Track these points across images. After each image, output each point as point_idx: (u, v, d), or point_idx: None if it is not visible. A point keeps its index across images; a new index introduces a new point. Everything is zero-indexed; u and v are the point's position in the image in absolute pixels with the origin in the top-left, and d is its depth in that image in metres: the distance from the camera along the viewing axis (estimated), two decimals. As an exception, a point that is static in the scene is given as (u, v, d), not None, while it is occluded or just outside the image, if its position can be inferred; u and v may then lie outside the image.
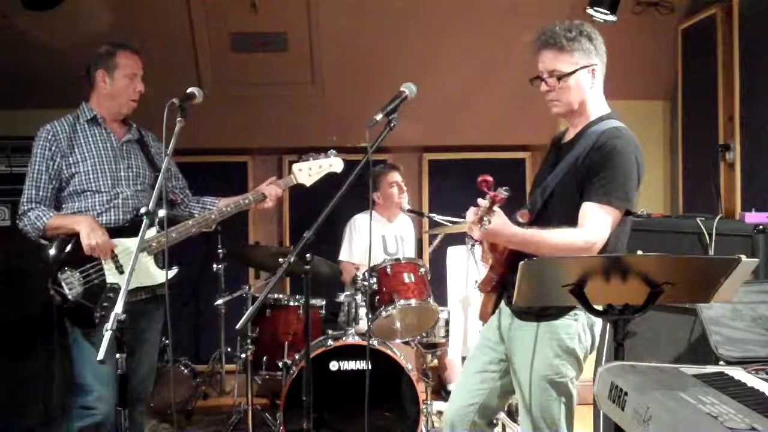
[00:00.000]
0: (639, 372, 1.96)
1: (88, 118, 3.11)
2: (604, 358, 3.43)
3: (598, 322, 2.51)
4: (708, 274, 2.09)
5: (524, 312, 2.50)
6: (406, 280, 4.00)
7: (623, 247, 2.54)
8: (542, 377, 2.48)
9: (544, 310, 2.46)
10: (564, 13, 4.35)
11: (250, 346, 4.05)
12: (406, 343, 4.27)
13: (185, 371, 4.74)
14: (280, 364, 3.98)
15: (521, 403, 2.55)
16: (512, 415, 4.02)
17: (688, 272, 2.11)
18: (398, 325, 4.04)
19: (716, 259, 2.49)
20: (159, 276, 3.01)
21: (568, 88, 2.48)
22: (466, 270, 4.27)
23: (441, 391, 4.83)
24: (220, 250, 4.55)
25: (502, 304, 2.64)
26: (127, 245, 2.97)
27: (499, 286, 2.60)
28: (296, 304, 4.15)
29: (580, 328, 2.48)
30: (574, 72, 2.47)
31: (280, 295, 4.41)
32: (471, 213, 2.35)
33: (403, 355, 3.93)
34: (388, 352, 3.81)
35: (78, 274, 2.92)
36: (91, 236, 2.89)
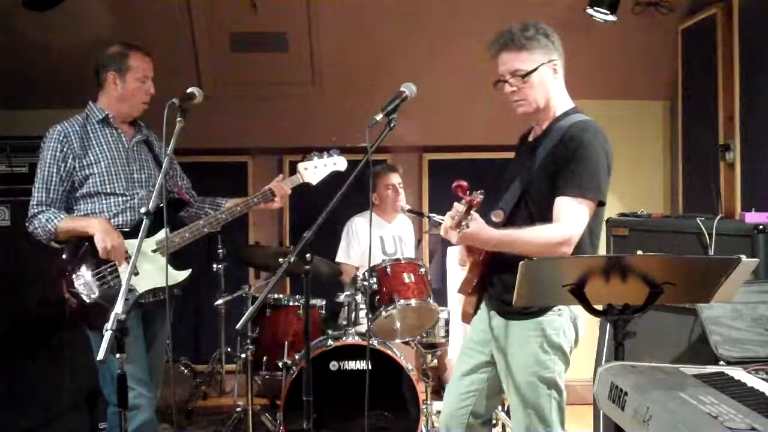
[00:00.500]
0: (639, 372, 1.96)
1: (99, 118, 3.06)
2: (604, 358, 3.43)
3: (581, 316, 2.53)
4: (708, 274, 2.09)
5: (508, 311, 2.51)
6: (406, 280, 4.00)
7: (598, 238, 2.56)
8: (531, 374, 2.50)
9: (528, 308, 2.47)
10: (564, 13, 4.36)
11: (250, 346, 4.05)
12: (406, 343, 4.27)
13: (185, 371, 4.75)
14: (280, 364, 3.98)
15: (512, 400, 2.56)
16: (509, 410, 4.02)
17: (688, 272, 2.11)
18: (398, 325, 4.04)
19: (716, 259, 2.49)
20: (175, 276, 2.98)
21: (532, 86, 2.51)
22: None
23: (441, 391, 4.82)
24: (220, 250, 4.55)
25: (484, 304, 2.66)
26: (142, 246, 2.92)
27: (479, 287, 2.61)
28: (296, 304, 4.15)
29: (565, 323, 2.51)
30: (536, 69, 2.49)
31: (280, 295, 4.41)
32: (448, 218, 2.36)
33: (403, 355, 3.94)
34: (388, 352, 3.81)
35: (93, 277, 2.88)
36: (106, 239, 2.85)
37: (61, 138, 2.97)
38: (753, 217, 3.33)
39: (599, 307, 2.15)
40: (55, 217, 2.91)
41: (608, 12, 4.16)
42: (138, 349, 2.95)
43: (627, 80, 4.88)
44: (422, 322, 4.11)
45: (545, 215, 2.43)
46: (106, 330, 2.17)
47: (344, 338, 3.86)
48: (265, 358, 4.08)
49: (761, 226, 3.24)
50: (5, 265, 3.66)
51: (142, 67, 3.08)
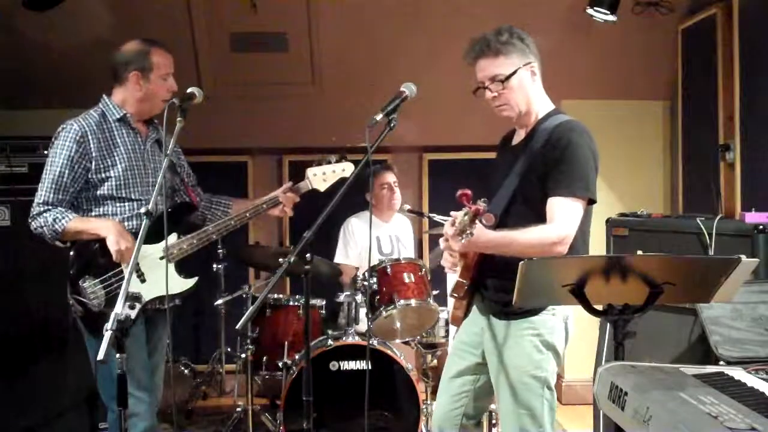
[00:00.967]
0: (639, 372, 1.96)
1: (117, 117, 2.95)
2: (604, 358, 3.43)
3: (572, 315, 2.54)
4: (708, 274, 2.09)
5: (502, 311, 2.52)
6: (406, 280, 4.00)
7: (588, 236, 2.57)
8: (525, 373, 2.50)
9: (522, 308, 2.47)
10: (564, 13, 4.36)
11: (250, 346, 4.05)
12: (406, 343, 4.27)
13: (185, 371, 4.75)
14: (280, 364, 3.98)
15: (503, 402, 2.56)
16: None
17: (688, 272, 2.11)
18: (398, 325, 4.04)
19: (716, 259, 2.49)
20: (179, 285, 2.92)
21: (512, 90, 2.52)
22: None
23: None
24: (220, 250, 4.55)
25: (475, 306, 2.67)
26: (149, 251, 2.86)
27: (470, 290, 2.61)
28: (296, 304, 4.15)
29: (558, 323, 2.52)
30: (515, 72, 2.50)
31: (280, 295, 4.41)
32: (448, 226, 2.37)
33: (403, 355, 3.94)
34: (388, 352, 3.82)
35: (99, 283, 2.82)
36: (120, 242, 2.76)
37: (78, 138, 2.85)
38: (753, 217, 3.33)
39: (599, 307, 2.15)
40: (63, 217, 2.80)
41: (608, 12, 4.16)
42: (142, 356, 2.91)
43: (627, 80, 4.88)
44: (422, 322, 4.11)
45: (536, 217, 2.44)
46: (106, 330, 2.15)
47: (344, 338, 3.86)
48: (265, 358, 4.07)
49: (761, 226, 3.24)
50: (5, 265, 3.66)
51: (165, 63, 2.97)
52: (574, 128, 2.47)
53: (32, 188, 2.89)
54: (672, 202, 5.00)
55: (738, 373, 1.96)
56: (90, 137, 2.87)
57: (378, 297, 3.98)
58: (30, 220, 2.85)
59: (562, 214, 2.40)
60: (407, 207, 4.62)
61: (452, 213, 2.34)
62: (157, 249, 2.87)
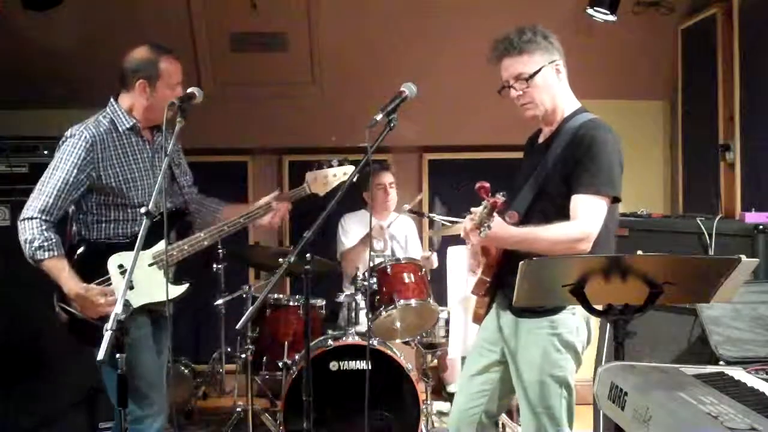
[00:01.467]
0: (639, 372, 1.96)
1: (127, 127, 2.91)
2: (604, 358, 3.43)
3: (593, 316, 2.53)
4: (708, 274, 2.09)
5: (522, 309, 2.51)
6: (406, 280, 4.00)
7: (613, 235, 2.57)
8: (543, 372, 2.49)
9: (542, 306, 2.47)
10: (564, 14, 4.36)
11: (250, 346, 4.05)
12: (406, 343, 4.27)
13: (185, 371, 4.74)
14: (280, 364, 3.98)
15: (522, 400, 2.56)
16: (511, 414, 4.03)
17: (688, 272, 2.11)
18: (398, 325, 4.04)
19: (716, 259, 2.49)
20: (173, 291, 2.88)
21: (536, 88, 2.52)
22: (466, 270, 4.27)
23: (441, 391, 4.82)
24: (220, 250, 4.55)
25: (495, 304, 2.66)
26: (141, 257, 2.78)
27: (492, 288, 2.61)
28: (296, 304, 4.15)
29: (578, 322, 2.51)
30: (539, 71, 2.50)
31: (280, 295, 4.41)
32: (467, 221, 2.37)
33: (403, 355, 3.94)
34: (388, 352, 3.81)
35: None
36: (85, 308, 2.74)
37: (88, 146, 2.80)
38: (753, 217, 3.33)
39: (599, 307, 2.15)
40: (50, 250, 2.73)
41: (608, 12, 4.16)
42: (152, 358, 2.92)
43: (627, 80, 4.88)
44: (422, 322, 4.11)
45: (559, 216, 2.43)
46: (106, 330, 2.15)
47: (344, 338, 3.86)
48: (265, 358, 4.08)
49: (761, 226, 3.25)
50: (5, 265, 3.66)
51: (173, 72, 2.90)
52: (598, 126, 2.47)
53: (32, 188, 2.86)
54: (672, 202, 5.00)
55: (738, 373, 1.96)
56: (99, 146, 2.83)
57: (378, 297, 3.99)
58: (20, 221, 2.78)
59: (586, 212, 2.40)
60: (407, 207, 4.62)
61: (472, 209, 2.35)
62: (146, 255, 2.86)
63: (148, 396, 2.87)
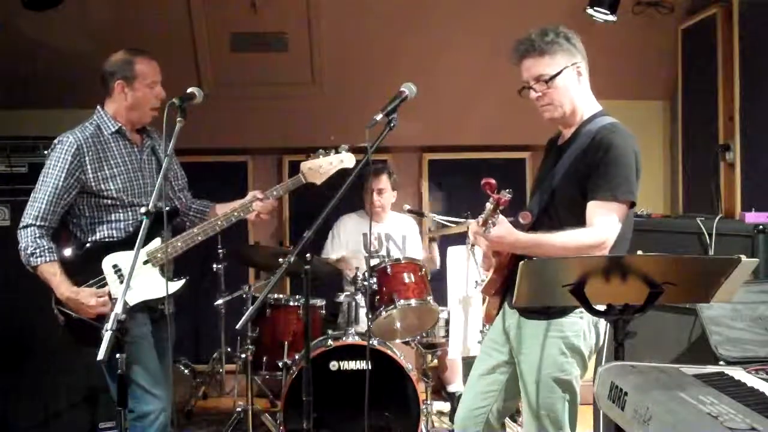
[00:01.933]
0: (639, 372, 1.95)
1: (113, 131, 2.97)
2: (604, 358, 3.43)
3: (603, 320, 2.51)
4: (708, 274, 2.09)
5: (530, 310, 2.50)
6: (406, 280, 4.00)
7: (628, 240, 2.55)
8: (547, 375, 2.48)
9: (549, 308, 2.46)
10: (564, 14, 4.35)
11: (250, 346, 4.05)
12: (406, 343, 4.27)
13: (185, 371, 4.75)
14: (280, 364, 3.99)
15: (525, 402, 2.55)
16: (512, 415, 4.02)
17: (688, 272, 2.11)
18: (398, 325, 4.04)
19: (716, 259, 2.49)
20: (169, 287, 2.90)
21: (556, 89, 2.50)
22: (466, 270, 4.27)
23: (441, 391, 4.83)
24: (220, 250, 4.55)
25: (506, 304, 2.65)
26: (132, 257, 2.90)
27: (503, 288, 2.61)
28: (296, 304, 4.15)
29: (586, 326, 2.49)
30: (559, 73, 2.49)
31: (280, 295, 4.41)
32: (473, 222, 2.37)
33: (403, 355, 3.94)
34: (388, 352, 3.82)
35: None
36: (79, 309, 2.80)
37: (73, 150, 2.86)
38: (753, 217, 3.33)
39: (599, 307, 2.14)
40: (42, 254, 2.81)
41: (608, 12, 4.16)
42: (152, 355, 2.93)
43: (627, 80, 4.87)
44: (422, 322, 4.11)
45: (572, 219, 2.42)
46: (106, 330, 2.16)
47: (344, 338, 3.86)
48: (265, 358, 4.08)
49: (761, 226, 3.25)
50: (5, 265, 3.66)
51: (150, 72, 2.97)
52: (616, 130, 2.46)
53: (32, 188, 2.90)
54: (672, 202, 5.00)
55: (738, 373, 1.96)
56: (85, 149, 2.89)
57: (378, 297, 3.99)
58: (18, 231, 2.87)
59: (602, 218, 2.38)
60: (407, 207, 4.62)
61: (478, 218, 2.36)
62: (141, 253, 2.84)
63: (151, 393, 2.89)
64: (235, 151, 5.30)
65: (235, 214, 3.06)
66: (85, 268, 2.89)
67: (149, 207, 2.45)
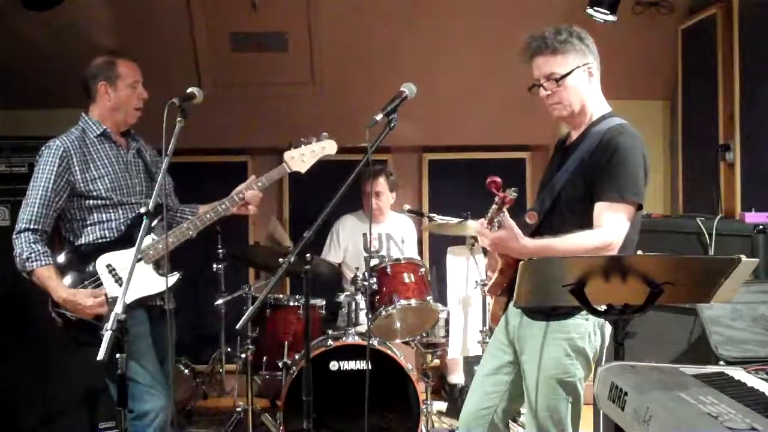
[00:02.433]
0: (639, 372, 1.96)
1: (98, 133, 3.02)
2: (604, 358, 3.43)
3: (608, 323, 2.51)
4: (708, 274, 2.09)
5: (534, 311, 2.50)
6: (406, 280, 4.00)
7: (634, 243, 2.54)
8: (551, 376, 2.48)
9: (555, 309, 2.45)
10: (564, 14, 4.35)
11: (250, 346, 4.05)
12: (406, 343, 4.28)
13: (185, 371, 4.74)
14: (280, 364, 3.98)
15: (528, 402, 2.55)
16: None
17: (688, 272, 2.10)
18: (398, 325, 4.04)
19: (716, 259, 2.49)
20: (159, 284, 2.92)
21: (566, 89, 2.49)
22: (466, 270, 4.27)
23: (441, 391, 4.83)
24: (220, 250, 4.55)
25: (511, 305, 2.65)
26: (126, 255, 2.91)
27: (509, 289, 2.60)
28: (296, 304, 4.15)
29: (591, 328, 2.48)
30: (570, 72, 2.48)
31: (280, 295, 4.41)
32: (478, 223, 2.36)
33: (403, 355, 3.94)
34: (388, 352, 3.81)
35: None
36: (80, 314, 2.82)
37: (60, 153, 2.92)
38: (753, 217, 3.34)
39: (599, 307, 2.14)
40: (37, 259, 2.85)
41: (608, 12, 4.16)
42: (150, 353, 2.95)
43: (627, 80, 4.87)
44: (422, 322, 4.11)
45: (578, 220, 2.41)
46: (106, 330, 2.16)
47: (344, 338, 3.86)
48: (265, 358, 4.08)
49: (761, 226, 3.25)
50: (5, 265, 3.66)
51: (131, 72, 3.04)
52: (624, 132, 2.45)
53: (25, 202, 2.93)
54: (672, 202, 5.00)
55: (738, 373, 1.96)
56: (72, 152, 2.94)
57: (378, 297, 3.99)
58: (14, 237, 2.90)
59: (609, 220, 2.37)
60: (407, 207, 4.62)
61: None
62: (133, 252, 2.87)
63: (151, 391, 2.90)
64: (235, 151, 5.30)
65: (223, 206, 3.08)
66: (79, 270, 2.92)
67: (149, 207, 2.46)
